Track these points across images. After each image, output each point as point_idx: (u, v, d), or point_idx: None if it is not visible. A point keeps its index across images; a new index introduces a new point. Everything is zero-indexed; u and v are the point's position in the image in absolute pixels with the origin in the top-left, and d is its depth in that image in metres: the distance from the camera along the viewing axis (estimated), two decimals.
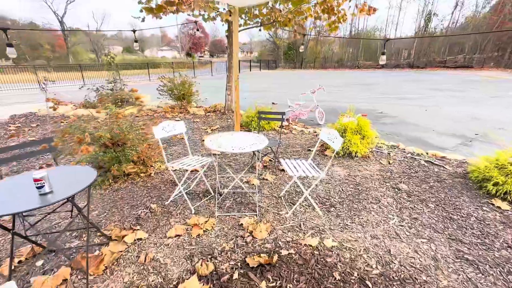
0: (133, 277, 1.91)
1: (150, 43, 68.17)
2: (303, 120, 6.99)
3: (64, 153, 3.10)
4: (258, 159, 4.10)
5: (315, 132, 5.72)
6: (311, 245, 2.22)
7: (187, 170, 2.69)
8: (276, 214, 2.70)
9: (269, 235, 2.37)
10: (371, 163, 4.00)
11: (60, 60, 31.61)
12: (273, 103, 9.86)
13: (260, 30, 6.66)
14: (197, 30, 7.42)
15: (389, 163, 4.01)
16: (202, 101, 9.29)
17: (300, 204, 2.86)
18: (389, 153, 4.38)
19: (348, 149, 4.17)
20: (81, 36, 34.73)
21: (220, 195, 3.06)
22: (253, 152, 3.71)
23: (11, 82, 14.67)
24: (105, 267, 1.97)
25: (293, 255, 2.11)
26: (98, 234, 2.35)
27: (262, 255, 2.07)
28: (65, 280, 1.84)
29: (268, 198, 3.01)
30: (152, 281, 1.88)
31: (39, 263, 2.02)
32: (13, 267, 1.89)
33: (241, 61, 30.43)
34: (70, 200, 1.67)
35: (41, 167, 3.88)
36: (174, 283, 1.86)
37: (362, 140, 4.23)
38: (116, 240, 2.24)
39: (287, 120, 6.78)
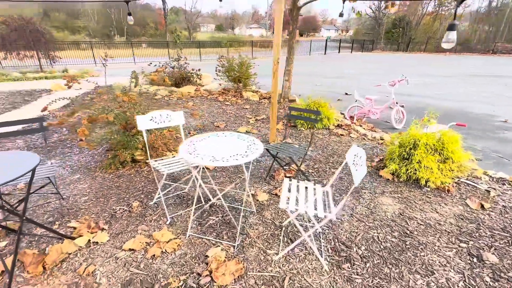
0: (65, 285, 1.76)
1: (241, 20, 71.43)
2: (373, 120, 5.71)
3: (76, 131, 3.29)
4: (281, 166, 3.46)
5: (382, 140, 4.53)
6: None
7: (168, 173, 2.38)
8: (262, 251, 2.12)
9: (235, 281, 1.84)
10: (449, 202, 2.79)
11: (159, 37, 36.74)
12: (346, 93, 8.59)
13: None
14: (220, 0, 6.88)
15: (482, 207, 2.71)
16: (262, 85, 8.90)
17: (300, 244, 2.17)
18: (488, 191, 2.98)
19: (414, 173, 3.04)
20: (179, 14, 39.28)
21: (211, 206, 2.66)
22: (274, 157, 3.13)
23: (123, 56, 17.81)
24: (44, 268, 1.90)
25: None
26: (68, 225, 2.35)
27: None
28: (4, 271, 1.84)
29: (265, 225, 2.42)
30: None
31: (2, 244, 2.12)
32: None
33: (329, 40, 28.18)
34: None
35: None
36: None
37: (443, 164, 3.00)
38: (74, 238, 2.16)
39: (351, 118, 5.67)
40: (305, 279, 1.89)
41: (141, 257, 2.03)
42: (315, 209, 1.94)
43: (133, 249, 2.09)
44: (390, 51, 32.88)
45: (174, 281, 1.83)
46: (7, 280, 1.74)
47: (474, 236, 2.31)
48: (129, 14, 6.68)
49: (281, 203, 1.96)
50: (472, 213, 2.62)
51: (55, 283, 1.81)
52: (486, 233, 2.35)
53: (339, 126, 5.16)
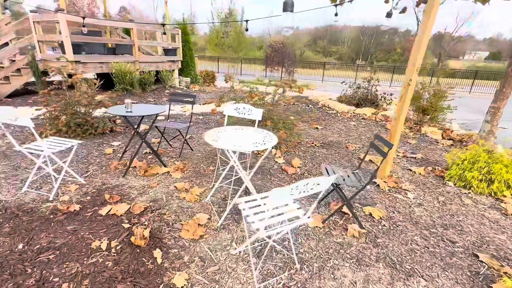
0: (138, 186, 3.00)
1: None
2: None
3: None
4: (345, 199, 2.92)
5: None
6: (174, 284, 1.81)
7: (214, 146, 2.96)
8: (230, 241, 2.23)
9: (189, 239, 2.20)
10: None
11: (403, 63, 35.40)
12: None
13: None
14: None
15: None
16: (467, 124, 6.66)
17: (257, 263, 2.03)
18: None
19: None
20: (435, 40, 35.40)
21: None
22: (334, 184, 2.82)
23: (351, 76, 19.15)
24: (144, 173, 3.25)
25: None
26: (174, 162, 3.68)
27: (141, 240, 2.15)
28: (133, 167, 3.41)
29: None
30: (132, 195, 2.85)
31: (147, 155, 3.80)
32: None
33: None
34: (125, 117, 3.07)
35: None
36: (132, 198, 2.68)
37: None
38: (166, 167, 3.42)
39: None
40: (227, 279, 1.85)
41: (174, 193, 2.87)
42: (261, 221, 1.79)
43: (177, 187, 2.98)
44: None
45: (167, 213, 2.50)
46: (127, 168, 3.24)
47: None
48: (246, 30, 7.37)
49: (237, 198, 1.99)
50: None
51: (139, 181, 3.09)
52: None
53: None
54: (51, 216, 2.38)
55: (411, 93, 3.21)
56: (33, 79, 6.84)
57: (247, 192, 2.98)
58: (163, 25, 4.36)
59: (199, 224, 2.36)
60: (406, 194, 3.24)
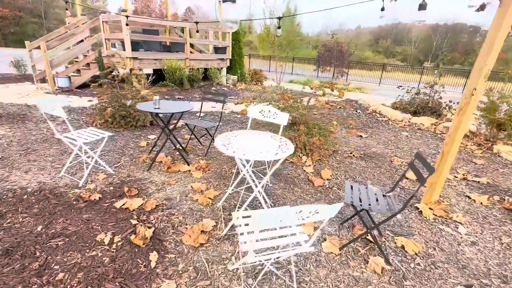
0: (158, 181, 3.04)
1: None
2: None
3: None
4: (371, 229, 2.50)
5: None
6: None
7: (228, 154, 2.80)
8: (231, 253, 2.08)
9: (190, 245, 2.11)
10: None
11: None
12: None
13: None
14: None
15: None
16: None
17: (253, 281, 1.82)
18: None
19: None
20: None
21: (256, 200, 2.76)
22: (357, 212, 2.47)
23: (410, 80, 16.78)
24: (167, 169, 3.30)
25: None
26: (199, 160, 3.66)
27: (141, 242, 2.12)
28: (159, 162, 3.49)
29: None
30: (150, 190, 2.90)
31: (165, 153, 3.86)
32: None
33: None
34: (154, 114, 3.11)
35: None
36: (149, 194, 2.73)
37: None
38: (189, 165, 3.41)
39: None
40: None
41: (189, 194, 2.83)
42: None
43: (193, 188, 2.93)
44: None
45: (176, 214, 2.46)
46: (151, 162, 3.32)
47: None
48: (279, 27, 6.48)
49: (242, 210, 1.80)
50: None
51: (161, 177, 3.14)
52: None
53: None
54: (74, 203, 2.54)
55: (474, 104, 2.60)
56: (99, 72, 7.67)
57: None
58: (197, 23, 4.34)
59: (202, 231, 2.25)
60: (457, 228, 2.65)
